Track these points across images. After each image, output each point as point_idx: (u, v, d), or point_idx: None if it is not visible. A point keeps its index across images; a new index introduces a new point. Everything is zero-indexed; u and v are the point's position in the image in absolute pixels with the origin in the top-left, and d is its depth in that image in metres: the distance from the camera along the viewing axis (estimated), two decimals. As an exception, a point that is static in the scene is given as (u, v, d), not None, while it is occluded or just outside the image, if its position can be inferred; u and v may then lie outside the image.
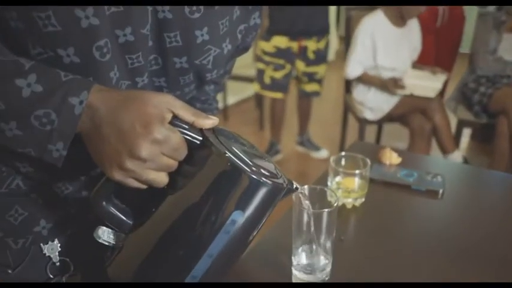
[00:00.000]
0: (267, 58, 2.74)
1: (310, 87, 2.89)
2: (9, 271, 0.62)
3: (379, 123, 2.76)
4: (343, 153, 0.98)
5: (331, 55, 5.18)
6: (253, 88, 3.20)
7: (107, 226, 0.54)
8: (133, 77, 0.59)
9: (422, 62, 2.66)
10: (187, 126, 0.50)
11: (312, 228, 0.68)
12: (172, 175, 0.50)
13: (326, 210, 0.68)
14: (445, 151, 2.52)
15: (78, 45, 0.51)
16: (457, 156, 2.51)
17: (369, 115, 2.59)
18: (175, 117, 0.49)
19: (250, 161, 0.50)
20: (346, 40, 2.68)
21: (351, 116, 2.81)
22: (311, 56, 2.76)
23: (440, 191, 1.00)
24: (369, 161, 0.94)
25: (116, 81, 0.56)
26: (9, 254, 0.62)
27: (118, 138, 0.46)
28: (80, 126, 0.48)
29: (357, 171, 0.93)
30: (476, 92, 2.58)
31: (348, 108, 2.83)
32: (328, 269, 0.72)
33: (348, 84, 2.74)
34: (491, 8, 2.71)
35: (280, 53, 2.70)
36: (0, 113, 0.47)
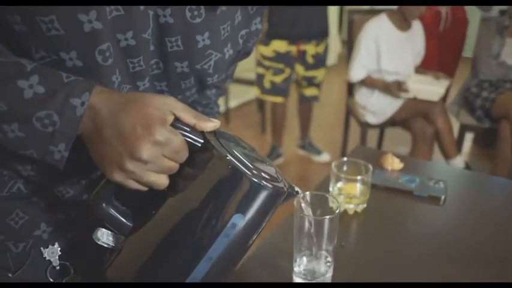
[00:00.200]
0: (266, 63, 2.73)
1: (309, 92, 2.89)
2: (10, 274, 0.62)
3: (381, 127, 2.76)
4: (345, 159, 0.98)
5: (333, 59, 5.19)
6: (254, 92, 3.20)
7: (107, 228, 0.54)
8: (135, 81, 0.59)
9: (425, 66, 2.66)
10: (188, 129, 0.50)
11: (313, 235, 0.68)
12: (172, 177, 0.50)
13: (328, 217, 0.68)
14: (447, 156, 2.51)
15: (81, 49, 0.51)
16: (459, 161, 2.50)
17: (371, 119, 2.59)
18: (176, 119, 0.49)
19: (251, 164, 0.50)
20: (349, 44, 2.68)
21: (353, 119, 2.81)
22: (310, 60, 2.76)
23: (443, 197, 0.99)
24: (370, 167, 0.94)
25: (117, 85, 0.56)
26: (9, 258, 0.62)
27: (119, 140, 0.46)
28: (81, 127, 0.48)
29: (359, 177, 0.92)
30: (479, 97, 2.57)
31: (350, 112, 2.83)
32: (329, 275, 0.72)
33: (351, 88, 2.74)
34: (494, 13, 2.71)
35: (279, 57, 2.69)
36: (2, 114, 0.47)
